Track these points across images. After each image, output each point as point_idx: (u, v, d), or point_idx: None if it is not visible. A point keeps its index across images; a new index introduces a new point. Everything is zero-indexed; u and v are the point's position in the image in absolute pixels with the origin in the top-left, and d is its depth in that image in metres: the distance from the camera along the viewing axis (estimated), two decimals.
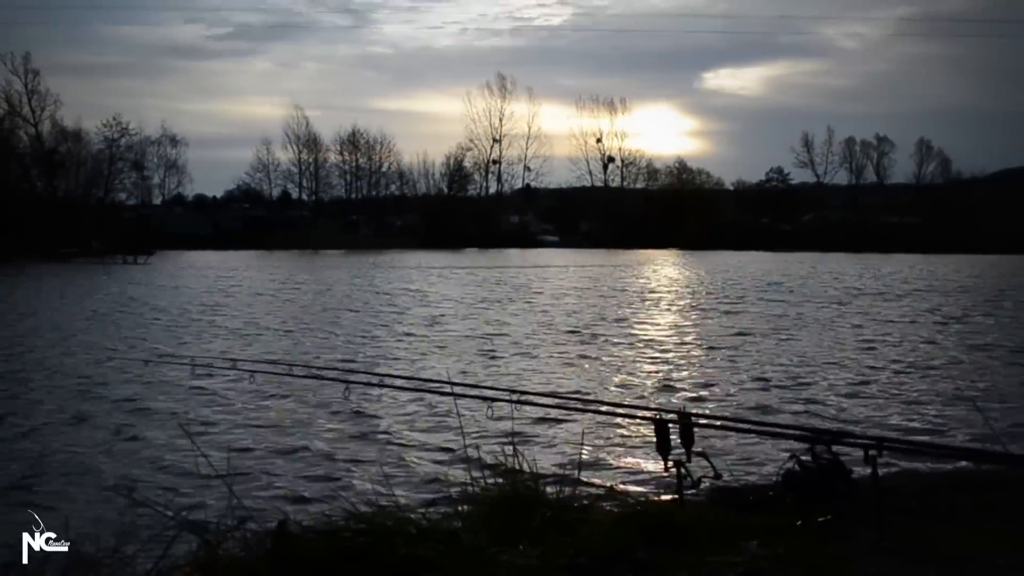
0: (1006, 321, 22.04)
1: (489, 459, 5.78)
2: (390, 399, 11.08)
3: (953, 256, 65.76)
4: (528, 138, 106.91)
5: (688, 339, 18.34)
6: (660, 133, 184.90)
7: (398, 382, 9.71)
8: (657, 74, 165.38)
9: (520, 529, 4.41)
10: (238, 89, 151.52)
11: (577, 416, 9.34)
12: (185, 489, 7.47)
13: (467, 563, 3.85)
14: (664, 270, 50.44)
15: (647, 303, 28.00)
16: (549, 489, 5.10)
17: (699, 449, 4.92)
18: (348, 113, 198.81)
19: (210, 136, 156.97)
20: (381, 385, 9.59)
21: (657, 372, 14.06)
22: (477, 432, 8.49)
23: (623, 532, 4.39)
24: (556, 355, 16.02)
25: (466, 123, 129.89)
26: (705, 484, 4.99)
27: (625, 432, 9.28)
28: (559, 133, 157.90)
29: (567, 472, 6.94)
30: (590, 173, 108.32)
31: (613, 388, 12.58)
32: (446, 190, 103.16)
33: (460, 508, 4.91)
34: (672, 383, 12.98)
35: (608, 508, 5.05)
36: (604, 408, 7.37)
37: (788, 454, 5.05)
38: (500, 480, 5.03)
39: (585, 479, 6.41)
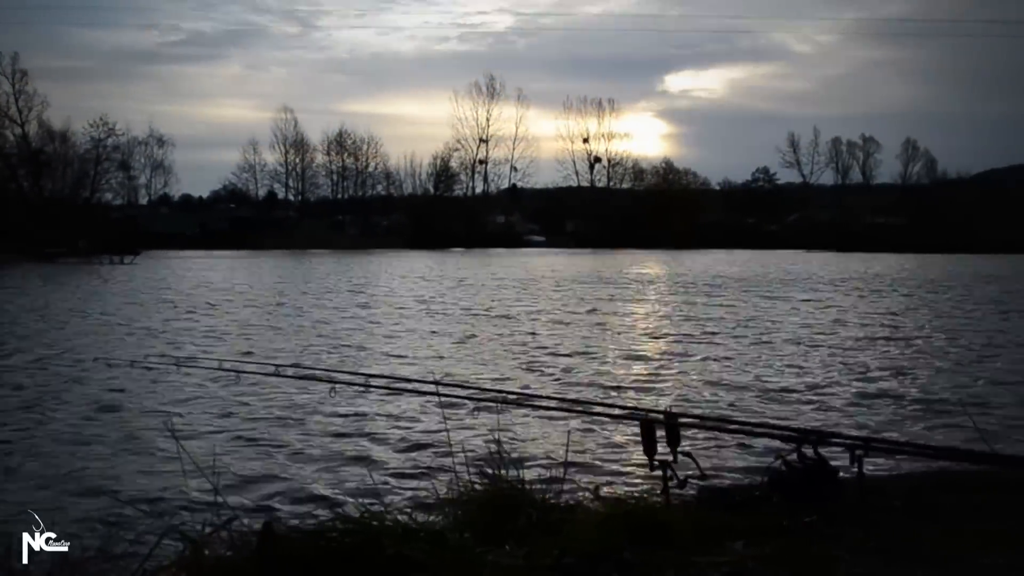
0: (990, 321, 22.12)
1: (475, 459, 5.77)
2: (376, 399, 11.05)
3: (939, 256, 65.99)
4: (515, 139, 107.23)
5: (672, 338, 18.34)
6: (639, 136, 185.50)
7: (384, 382, 9.68)
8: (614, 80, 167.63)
9: (506, 529, 4.41)
10: (208, 92, 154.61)
11: (563, 416, 9.32)
12: (170, 490, 7.42)
13: (453, 563, 3.84)
14: (649, 270, 50.46)
15: (630, 302, 28.03)
16: (535, 489, 5.10)
17: (685, 449, 4.93)
18: (320, 116, 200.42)
19: (185, 138, 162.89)
20: (367, 385, 9.55)
21: (643, 372, 14.06)
22: (463, 432, 8.48)
23: (609, 532, 4.39)
24: (542, 354, 16.02)
25: (453, 123, 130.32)
26: (691, 484, 5.00)
27: (611, 432, 9.27)
28: (539, 135, 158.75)
29: (553, 472, 6.93)
30: (576, 173, 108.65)
31: (599, 388, 12.56)
32: (432, 190, 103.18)
33: (446, 508, 4.91)
34: (658, 382, 12.98)
35: (594, 508, 5.05)
36: (590, 408, 7.37)
37: (774, 454, 5.07)
38: (486, 480, 5.03)
39: (571, 479, 6.40)
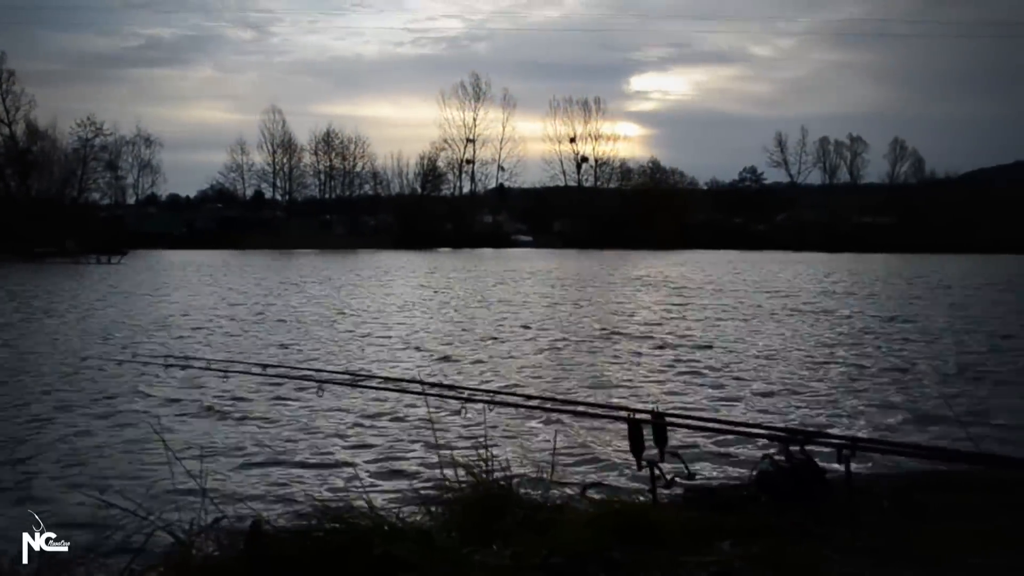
0: (976, 322, 22.19)
1: (462, 459, 5.75)
2: (363, 399, 11.03)
3: (926, 256, 66.21)
4: (502, 139, 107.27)
5: (661, 338, 18.34)
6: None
7: (372, 382, 9.66)
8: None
9: (493, 529, 4.39)
10: (185, 94, 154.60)
11: (550, 416, 9.31)
12: (157, 489, 7.38)
13: (440, 563, 3.83)
14: (638, 270, 50.48)
15: (619, 302, 28.04)
16: (522, 489, 5.09)
17: (673, 449, 4.92)
18: (298, 117, 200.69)
19: (169, 139, 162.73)
20: (354, 385, 9.53)
21: (630, 372, 14.07)
22: (450, 432, 8.47)
23: (596, 532, 4.37)
24: (526, 354, 16.01)
25: (440, 123, 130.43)
26: (679, 484, 4.99)
27: (598, 432, 9.26)
28: (526, 135, 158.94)
29: (540, 472, 6.91)
30: (563, 173, 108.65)
31: (586, 388, 12.56)
32: (419, 190, 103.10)
33: (433, 508, 4.89)
34: (645, 383, 12.99)
35: (581, 508, 5.03)
36: (577, 408, 7.35)
37: (762, 454, 5.06)
38: (473, 480, 5.01)
39: (558, 479, 6.39)
